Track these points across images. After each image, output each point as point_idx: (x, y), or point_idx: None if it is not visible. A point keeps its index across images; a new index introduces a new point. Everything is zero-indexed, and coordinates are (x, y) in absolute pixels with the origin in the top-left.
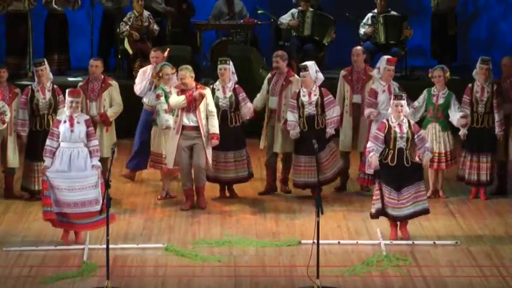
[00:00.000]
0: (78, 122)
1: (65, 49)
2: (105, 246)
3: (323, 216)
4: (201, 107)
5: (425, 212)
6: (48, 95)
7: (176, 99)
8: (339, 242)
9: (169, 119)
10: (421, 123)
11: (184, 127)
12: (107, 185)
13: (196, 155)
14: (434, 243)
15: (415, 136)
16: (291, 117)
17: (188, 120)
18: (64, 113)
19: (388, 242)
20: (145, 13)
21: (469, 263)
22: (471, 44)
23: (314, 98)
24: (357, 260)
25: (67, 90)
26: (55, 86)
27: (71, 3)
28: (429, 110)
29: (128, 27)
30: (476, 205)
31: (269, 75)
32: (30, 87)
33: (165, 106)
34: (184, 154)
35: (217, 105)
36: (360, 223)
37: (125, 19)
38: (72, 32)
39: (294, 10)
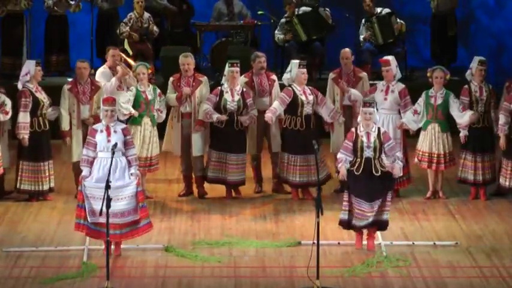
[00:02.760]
0: (115, 131)
1: (64, 50)
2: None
3: (323, 217)
4: (197, 92)
5: (382, 225)
6: (44, 94)
7: (170, 96)
8: (338, 243)
9: (128, 107)
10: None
11: (182, 115)
12: (106, 185)
13: (191, 144)
14: (434, 243)
15: (385, 145)
16: (278, 105)
17: (186, 106)
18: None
19: (388, 242)
20: (146, 14)
21: (469, 264)
22: (471, 45)
23: (311, 97)
24: (357, 261)
25: (101, 98)
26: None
27: (72, 6)
28: (428, 111)
29: (128, 28)
30: (476, 206)
31: (245, 79)
32: (27, 89)
33: (129, 98)
34: (184, 142)
35: (224, 108)
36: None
37: (125, 20)
38: (72, 33)
39: (281, 21)
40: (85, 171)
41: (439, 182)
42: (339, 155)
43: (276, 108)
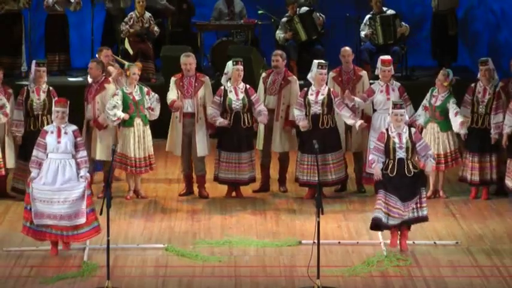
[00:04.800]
0: (65, 133)
1: (65, 49)
2: (105, 246)
3: (323, 217)
4: (200, 93)
5: (423, 219)
6: (42, 96)
7: (168, 97)
8: (339, 242)
9: (116, 113)
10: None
11: (184, 114)
12: (107, 184)
13: (194, 144)
14: (434, 243)
15: (417, 145)
16: (298, 112)
17: (188, 106)
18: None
19: (388, 241)
20: (147, 14)
21: (470, 263)
22: (471, 44)
23: (321, 98)
24: (358, 260)
25: (54, 100)
26: (51, 88)
27: (72, 4)
28: (429, 109)
29: (127, 27)
30: (477, 205)
31: (264, 74)
32: (26, 87)
33: (115, 104)
34: (184, 141)
35: (230, 107)
36: (360, 223)
37: (126, 19)
38: (72, 33)
39: (283, 20)
40: (34, 172)
41: (440, 182)
42: (371, 156)
43: (301, 115)
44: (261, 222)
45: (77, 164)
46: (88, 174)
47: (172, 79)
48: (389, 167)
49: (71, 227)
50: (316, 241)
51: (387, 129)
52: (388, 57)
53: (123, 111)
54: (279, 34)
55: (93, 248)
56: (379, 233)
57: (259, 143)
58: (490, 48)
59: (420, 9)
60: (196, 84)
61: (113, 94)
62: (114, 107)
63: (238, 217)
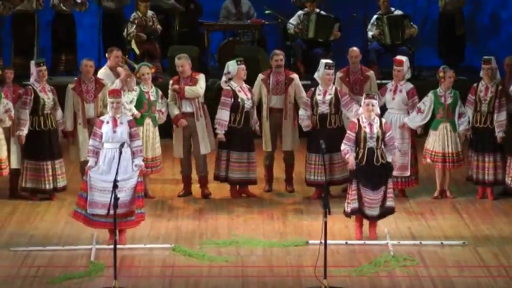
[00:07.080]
0: (121, 123)
1: (72, 49)
2: (112, 246)
3: (330, 217)
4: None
5: (390, 211)
6: (50, 94)
7: (171, 111)
8: (346, 243)
9: (132, 108)
10: (429, 123)
11: (183, 114)
12: (114, 185)
13: (195, 144)
14: (441, 243)
15: (386, 135)
16: (303, 112)
17: (186, 107)
18: (107, 114)
19: (395, 242)
20: (149, 13)
21: (477, 263)
22: (478, 44)
23: (328, 97)
24: (365, 260)
25: (108, 91)
26: (52, 87)
27: (79, 5)
28: (439, 110)
29: (134, 28)
30: (484, 205)
31: (262, 76)
32: (31, 87)
33: (132, 99)
34: (185, 142)
35: (243, 107)
36: (367, 223)
37: (131, 19)
38: (80, 33)
39: (300, 12)
40: (91, 161)
41: (447, 182)
42: (342, 146)
43: (305, 115)
44: (268, 222)
45: (132, 153)
46: (142, 163)
47: (170, 82)
48: (359, 156)
49: (123, 214)
50: (323, 241)
51: (358, 120)
52: (401, 58)
53: (136, 109)
54: (291, 23)
55: (100, 248)
56: (386, 233)
57: (267, 145)
58: (495, 47)
59: (427, 9)
60: (191, 84)
61: (130, 89)
62: (131, 101)
63: (245, 217)
